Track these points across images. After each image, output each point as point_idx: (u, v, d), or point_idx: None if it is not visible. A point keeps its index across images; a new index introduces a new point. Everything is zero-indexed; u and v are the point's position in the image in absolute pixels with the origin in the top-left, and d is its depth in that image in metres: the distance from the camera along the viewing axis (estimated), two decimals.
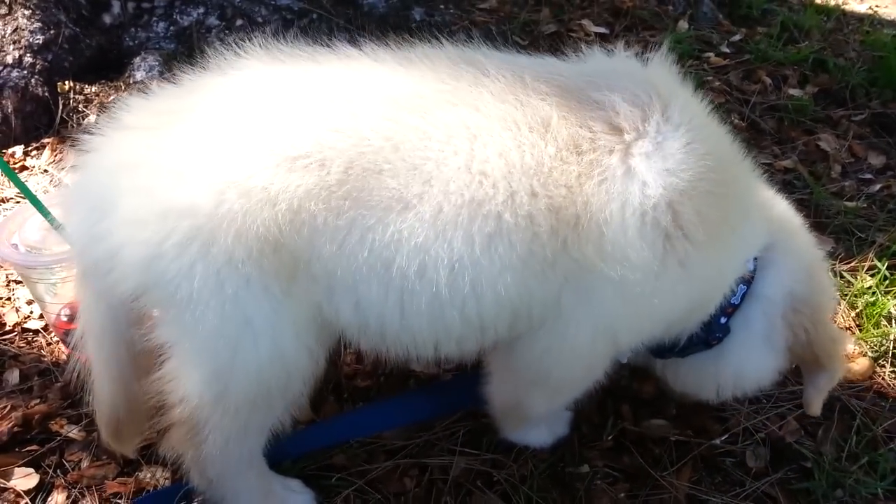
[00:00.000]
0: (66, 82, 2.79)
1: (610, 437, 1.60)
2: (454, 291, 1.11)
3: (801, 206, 2.33)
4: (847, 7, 3.88)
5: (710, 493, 1.50)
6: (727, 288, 1.28)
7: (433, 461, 1.54)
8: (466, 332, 1.18)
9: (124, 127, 1.16)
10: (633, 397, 1.68)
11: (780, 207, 1.41)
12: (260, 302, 1.10)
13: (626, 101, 1.13)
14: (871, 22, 3.62)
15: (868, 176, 2.58)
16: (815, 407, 1.43)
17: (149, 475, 1.54)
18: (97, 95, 2.81)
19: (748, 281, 1.31)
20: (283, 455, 1.49)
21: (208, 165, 1.06)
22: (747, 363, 1.37)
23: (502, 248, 1.09)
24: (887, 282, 2.00)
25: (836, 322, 1.91)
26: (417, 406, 1.68)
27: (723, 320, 1.31)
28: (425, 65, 1.16)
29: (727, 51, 3.11)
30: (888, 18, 3.81)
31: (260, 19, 2.89)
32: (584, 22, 3.21)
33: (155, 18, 2.93)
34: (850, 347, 1.85)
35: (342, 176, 1.05)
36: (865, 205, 2.40)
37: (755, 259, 1.33)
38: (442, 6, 3.17)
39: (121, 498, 1.49)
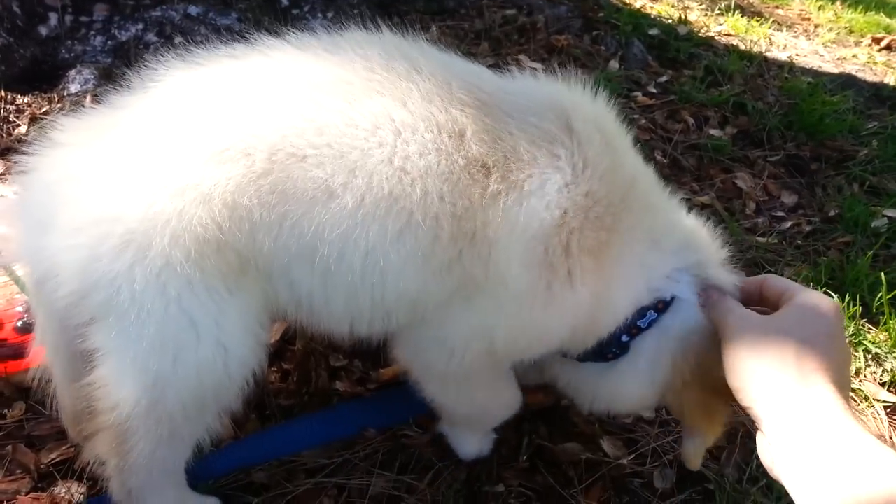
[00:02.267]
0: None
1: (525, 458, 1.65)
2: (365, 278, 1.16)
3: None
4: (769, 54, 4.12)
5: None
6: (620, 316, 1.31)
7: (352, 482, 1.56)
8: (375, 315, 1.24)
9: (58, 145, 1.19)
10: (548, 418, 1.74)
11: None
12: (204, 303, 1.12)
13: (534, 135, 1.18)
14: (790, 69, 3.85)
15: (780, 213, 2.74)
16: (692, 462, 1.42)
17: (63, 490, 1.52)
18: (29, 106, 2.77)
19: (661, 309, 1.33)
20: (204, 475, 1.49)
21: (138, 170, 1.09)
22: (623, 387, 1.38)
23: (409, 243, 1.14)
24: None
25: None
26: (340, 423, 1.70)
27: (624, 338, 1.34)
28: (356, 52, 1.18)
29: (654, 91, 3.26)
30: (806, 66, 4.07)
31: (199, 38, 2.90)
32: (522, 57, 3.33)
33: (93, 32, 2.92)
34: None
35: (267, 164, 1.08)
36: (776, 240, 2.55)
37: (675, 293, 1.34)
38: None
39: None
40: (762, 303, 1.24)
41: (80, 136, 1.17)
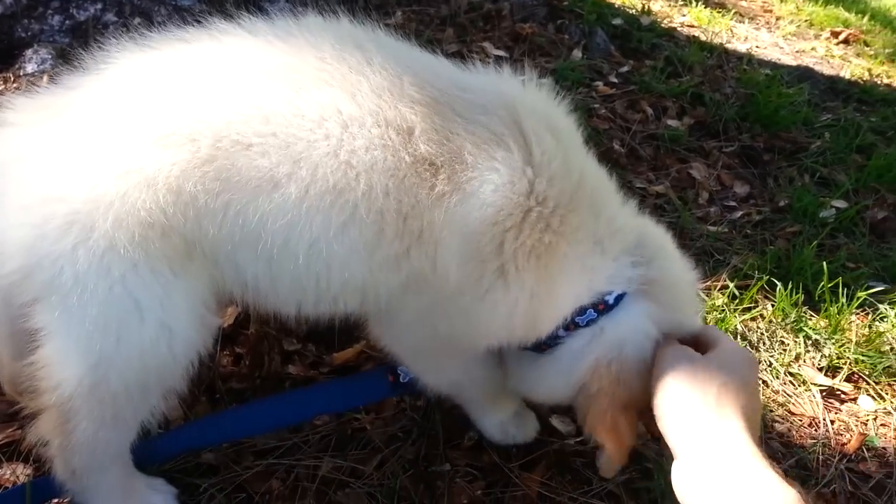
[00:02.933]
0: None
1: (470, 437, 1.69)
2: (310, 266, 1.19)
3: (669, 228, 2.49)
4: (730, 45, 4.19)
5: (560, 491, 1.61)
6: (560, 316, 1.32)
7: (301, 465, 1.59)
8: (320, 300, 1.27)
9: (9, 125, 1.19)
10: None
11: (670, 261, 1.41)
12: (149, 284, 1.13)
13: (479, 136, 1.20)
14: (749, 61, 3.92)
15: (732, 203, 2.81)
16: (603, 470, 1.48)
17: (9, 472, 1.52)
18: None
19: (602, 310, 1.33)
20: (151, 457, 1.51)
21: (84, 152, 1.10)
22: (543, 377, 1.41)
23: (353, 235, 1.17)
24: (736, 300, 2.19)
25: None
26: (291, 409, 1.72)
27: (562, 333, 1.36)
28: (308, 40, 1.19)
29: (615, 81, 3.30)
30: (765, 58, 4.14)
31: (159, 19, 2.87)
32: (486, 44, 3.35)
33: (50, 11, 2.87)
34: None
35: (212, 151, 1.09)
36: (727, 230, 2.61)
37: (624, 292, 1.34)
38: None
39: None
40: (696, 346, 1.29)
41: (30, 116, 1.18)
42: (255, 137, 1.10)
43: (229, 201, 1.12)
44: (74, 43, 2.86)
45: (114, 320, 1.14)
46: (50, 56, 2.80)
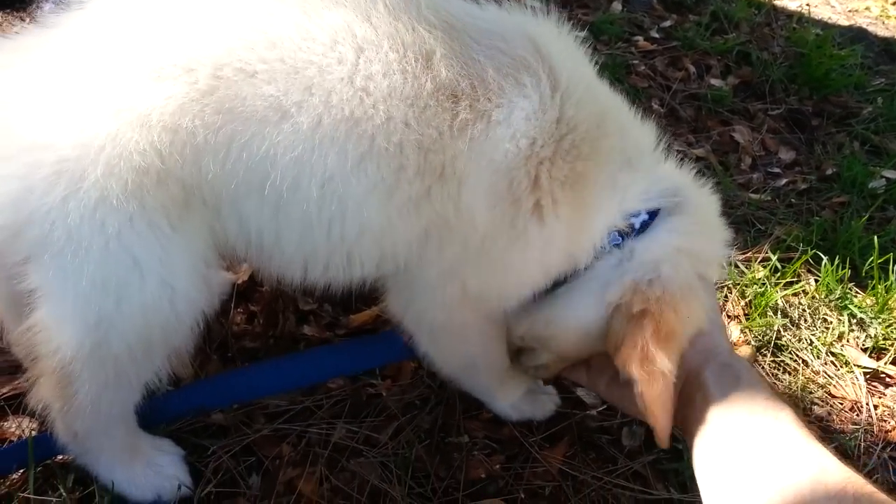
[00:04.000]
0: None
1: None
2: (322, 209, 1.09)
3: None
4: (779, 2, 3.96)
5: (583, 469, 1.53)
6: (595, 244, 1.22)
7: (312, 431, 1.52)
8: (332, 257, 1.17)
9: None
10: None
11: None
12: (146, 240, 1.05)
13: (501, 62, 1.11)
14: (800, 19, 3.70)
15: (776, 170, 2.66)
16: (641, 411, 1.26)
17: (14, 425, 1.48)
18: (0, 26, 2.65)
19: (627, 233, 1.23)
20: (158, 416, 1.45)
21: (71, 92, 1.00)
22: (571, 312, 1.27)
23: (371, 171, 1.07)
24: (778, 274, 2.06)
25: (725, 310, 1.98)
26: (305, 369, 1.65)
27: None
28: None
29: (656, 36, 3.13)
30: (816, 18, 3.91)
31: None
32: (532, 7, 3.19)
33: None
34: (735, 335, 1.91)
35: (212, 81, 0.99)
36: (770, 198, 2.47)
37: (651, 213, 1.24)
38: None
39: None
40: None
41: (10, 57, 1.07)
42: (261, 64, 1.01)
43: (232, 134, 1.02)
44: None
45: (112, 279, 1.06)
46: None
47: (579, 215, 1.18)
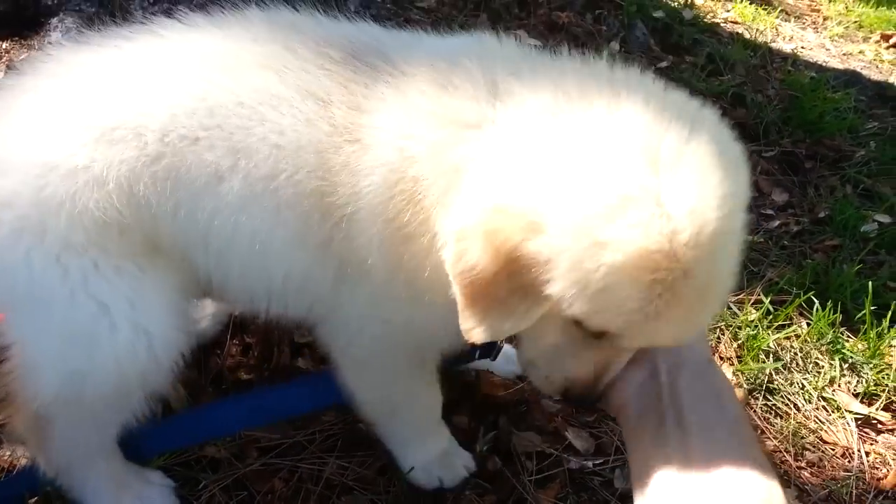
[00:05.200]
0: None
1: (485, 449, 1.61)
2: (253, 262, 1.13)
3: None
4: (774, 45, 4.03)
5: None
6: None
7: (304, 465, 1.52)
8: (271, 299, 1.21)
9: None
10: (510, 413, 1.70)
11: None
12: (115, 285, 1.07)
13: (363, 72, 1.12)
14: (794, 62, 3.77)
15: (769, 212, 2.69)
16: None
17: (8, 452, 1.48)
18: (7, 52, 2.69)
19: None
20: (149, 449, 1.45)
21: (27, 152, 1.03)
22: None
23: (288, 224, 1.10)
24: (770, 317, 2.08)
25: (717, 352, 1.99)
26: (293, 399, 1.64)
27: None
28: (243, 27, 1.15)
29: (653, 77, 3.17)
30: (810, 60, 3.98)
31: None
32: (520, 32, 3.24)
33: None
34: (728, 377, 1.92)
35: (160, 147, 1.04)
36: (762, 239, 2.49)
37: None
38: (380, 0, 3.15)
39: None
40: None
41: None
42: (202, 131, 1.06)
43: (179, 201, 1.07)
44: (100, 12, 2.80)
45: (81, 331, 1.08)
46: (75, 25, 2.74)
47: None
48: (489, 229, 0.90)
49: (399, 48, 1.14)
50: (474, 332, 0.95)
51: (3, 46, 2.68)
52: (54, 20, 2.73)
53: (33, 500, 1.34)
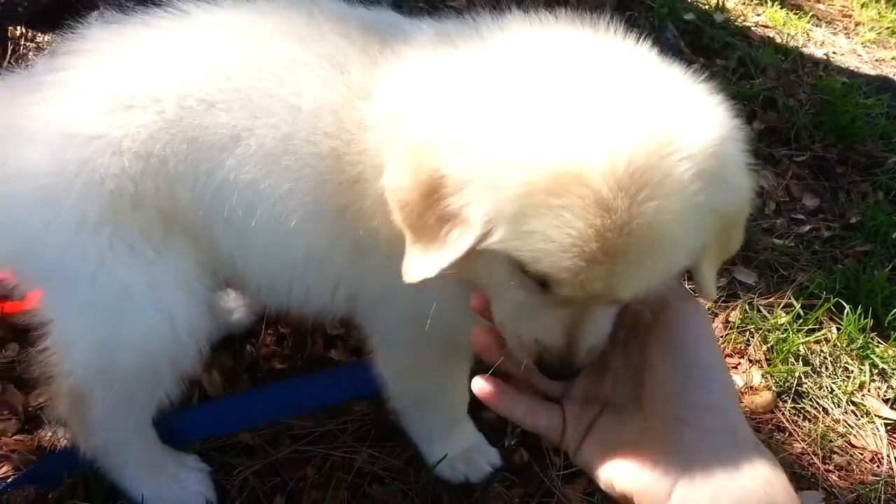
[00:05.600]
0: (18, 28, 2.71)
1: (513, 443, 1.63)
2: (276, 231, 1.11)
3: None
4: (806, 49, 4.00)
5: None
6: None
7: (336, 454, 1.55)
8: (293, 278, 1.19)
9: None
10: None
11: None
12: (130, 265, 1.09)
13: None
14: (826, 67, 3.74)
15: (800, 216, 2.67)
16: None
17: (49, 433, 1.52)
18: (49, 45, 2.74)
19: None
20: (184, 436, 1.49)
21: (48, 123, 1.06)
22: None
23: (303, 189, 1.09)
24: (800, 321, 2.07)
25: (747, 354, 1.99)
26: (325, 389, 1.68)
27: None
28: (265, 4, 1.16)
29: None
30: (842, 66, 3.95)
31: None
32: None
33: None
34: (757, 380, 1.92)
35: (178, 111, 1.05)
36: (793, 244, 2.49)
37: None
38: None
39: (18, 454, 1.46)
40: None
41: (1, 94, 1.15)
42: (219, 94, 1.07)
43: (197, 162, 1.07)
44: (141, 7, 2.86)
45: (107, 306, 1.11)
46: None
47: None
48: (410, 151, 0.90)
49: (411, 24, 1.17)
50: (411, 267, 0.92)
51: (45, 39, 2.74)
52: (94, 14, 2.79)
53: (69, 480, 1.38)
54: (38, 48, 2.74)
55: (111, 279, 1.08)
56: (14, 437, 1.50)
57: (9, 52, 2.67)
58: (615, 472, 0.88)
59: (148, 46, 1.11)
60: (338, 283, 1.21)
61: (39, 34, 2.74)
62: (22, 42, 2.71)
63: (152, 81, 1.06)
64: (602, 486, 0.90)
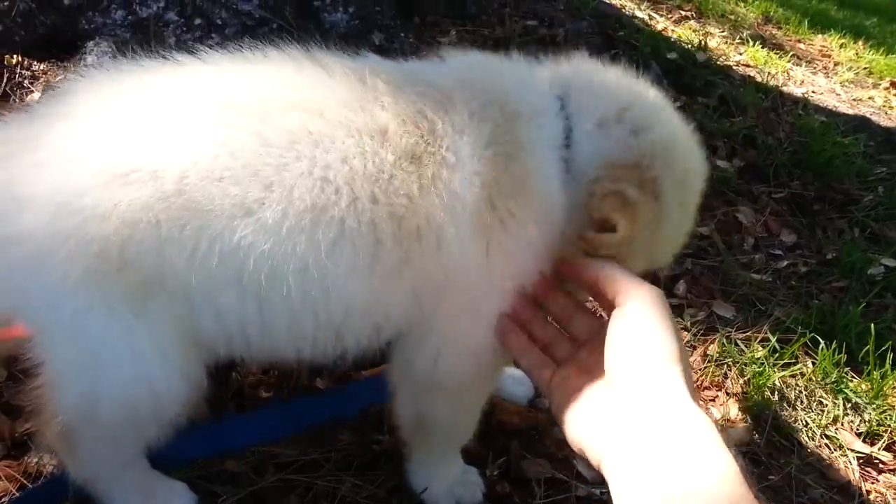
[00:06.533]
0: (15, 56, 2.76)
1: (495, 473, 1.66)
2: (305, 297, 1.13)
3: (711, 272, 2.48)
4: (786, 88, 4.12)
5: None
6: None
7: (320, 482, 1.57)
8: (322, 337, 1.21)
9: None
10: (521, 438, 1.75)
11: None
12: (109, 326, 1.11)
13: (440, 113, 1.17)
14: (805, 106, 3.85)
15: (778, 252, 2.74)
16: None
17: (35, 460, 1.53)
18: (45, 73, 2.79)
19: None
20: (171, 459, 1.51)
21: (44, 190, 1.08)
22: None
23: (347, 252, 1.12)
24: (776, 354, 2.13)
25: (725, 387, 2.04)
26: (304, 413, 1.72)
27: None
28: (267, 67, 1.18)
29: None
30: (821, 104, 4.06)
31: (219, 21, 2.91)
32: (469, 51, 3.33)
33: (114, 5, 2.93)
34: (734, 413, 1.96)
35: (178, 185, 1.05)
36: (770, 279, 2.55)
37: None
38: (402, 34, 3.25)
39: (4, 479, 1.48)
40: (595, 293, 1.19)
41: None
42: (225, 171, 1.07)
43: (200, 228, 1.06)
44: (135, 38, 2.91)
45: (86, 362, 1.14)
46: (110, 49, 2.85)
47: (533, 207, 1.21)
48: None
49: (432, 72, 1.25)
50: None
51: (41, 68, 2.79)
52: (90, 44, 2.84)
53: None
54: (34, 77, 2.79)
55: (88, 338, 1.11)
56: (1, 462, 1.52)
57: (4, 80, 2.71)
58: (569, 425, 1.09)
59: (146, 114, 1.11)
60: (380, 331, 1.26)
61: (35, 62, 2.79)
62: (18, 70, 2.76)
63: (151, 157, 1.06)
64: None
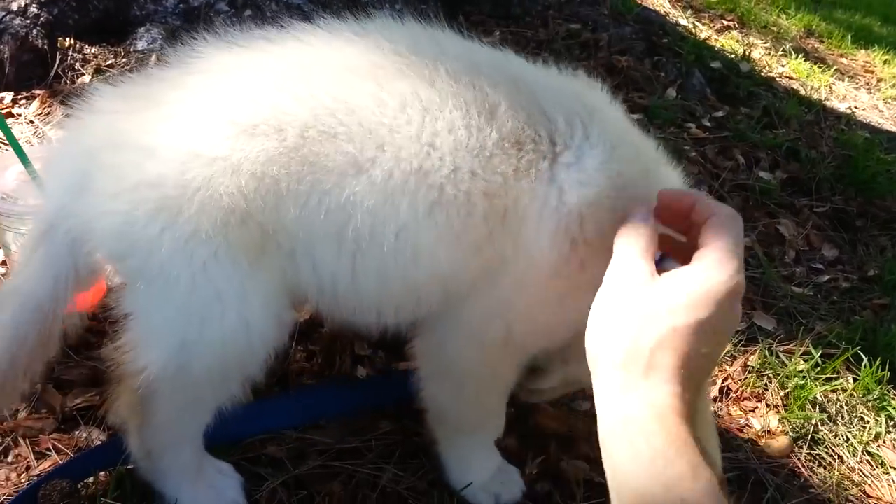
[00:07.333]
0: (68, 39, 2.81)
1: (534, 472, 1.66)
2: (398, 256, 1.17)
3: (752, 283, 2.46)
4: (828, 103, 4.07)
5: None
6: None
7: (362, 471, 1.58)
8: (405, 299, 1.26)
9: (97, 111, 1.23)
10: (560, 441, 1.74)
11: None
12: (229, 274, 1.14)
13: (565, 115, 1.20)
14: (848, 121, 3.80)
15: (819, 266, 2.71)
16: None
17: (85, 434, 1.56)
18: (95, 57, 2.84)
19: None
20: (218, 437, 1.53)
21: (175, 141, 1.12)
22: None
23: (441, 219, 1.16)
24: (818, 369, 2.10)
25: (765, 399, 2.02)
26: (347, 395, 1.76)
27: None
28: (383, 36, 1.21)
29: (708, 124, 3.24)
30: (864, 121, 4.02)
31: (269, 13, 2.95)
32: (580, 73, 3.32)
33: None
34: (774, 424, 1.95)
35: (298, 140, 1.10)
36: (812, 293, 2.52)
37: None
38: None
39: (54, 452, 1.51)
40: (686, 225, 1.11)
41: (120, 104, 1.20)
42: (341, 127, 1.12)
43: (314, 183, 1.12)
44: (185, 26, 2.95)
45: (197, 308, 1.16)
46: (160, 36, 2.90)
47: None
48: None
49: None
50: None
51: (92, 51, 2.84)
52: (141, 30, 2.89)
53: (104, 477, 1.43)
54: (85, 60, 2.84)
55: (207, 285, 1.14)
56: (51, 436, 1.55)
57: (57, 62, 2.76)
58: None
59: (270, 76, 1.16)
60: (437, 306, 1.29)
61: (87, 46, 2.83)
62: (70, 53, 2.81)
63: (275, 112, 1.11)
64: None
